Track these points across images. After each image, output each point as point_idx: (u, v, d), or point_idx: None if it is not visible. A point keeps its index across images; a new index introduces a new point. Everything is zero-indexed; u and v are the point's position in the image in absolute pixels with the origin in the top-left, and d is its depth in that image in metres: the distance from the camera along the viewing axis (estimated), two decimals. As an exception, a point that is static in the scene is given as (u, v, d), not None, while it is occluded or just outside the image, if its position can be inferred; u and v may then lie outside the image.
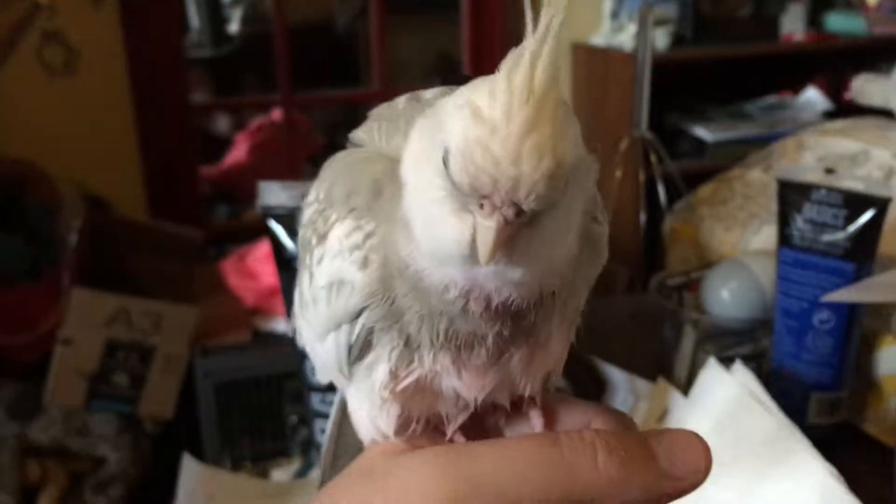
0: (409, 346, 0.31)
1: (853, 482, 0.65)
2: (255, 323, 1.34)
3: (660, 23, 2.06)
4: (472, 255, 0.27)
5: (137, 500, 1.11)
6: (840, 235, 0.78)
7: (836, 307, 0.79)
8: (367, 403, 0.34)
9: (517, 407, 0.34)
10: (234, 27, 2.94)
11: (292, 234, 0.70)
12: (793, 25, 2.28)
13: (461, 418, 0.34)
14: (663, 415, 0.82)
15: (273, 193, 0.72)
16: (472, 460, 0.30)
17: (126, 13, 1.86)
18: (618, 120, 1.88)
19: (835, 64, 2.41)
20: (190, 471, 0.85)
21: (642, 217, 1.56)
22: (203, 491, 0.84)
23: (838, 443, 0.79)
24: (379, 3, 2.17)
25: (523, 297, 0.29)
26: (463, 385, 0.32)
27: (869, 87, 1.16)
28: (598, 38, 2.19)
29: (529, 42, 0.27)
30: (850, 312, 0.79)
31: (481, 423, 0.34)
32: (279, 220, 0.71)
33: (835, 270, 0.78)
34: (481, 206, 0.26)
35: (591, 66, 2.18)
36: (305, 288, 0.34)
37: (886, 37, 2.28)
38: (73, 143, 1.83)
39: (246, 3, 2.92)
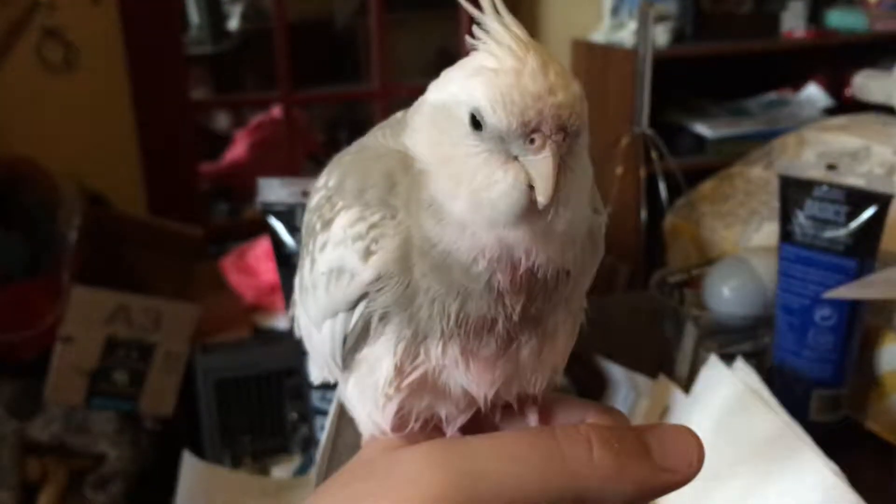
0: (415, 339, 0.31)
1: (855, 479, 0.65)
2: (255, 320, 1.33)
3: (660, 19, 2.06)
4: (527, 204, 0.28)
5: (138, 497, 1.11)
6: (841, 232, 0.78)
7: (837, 304, 0.78)
8: (364, 399, 0.34)
9: (516, 406, 0.34)
10: (233, 24, 2.94)
11: (292, 230, 0.70)
12: (793, 22, 2.28)
13: (461, 420, 0.34)
14: (664, 412, 0.81)
15: (273, 190, 0.71)
16: (469, 454, 0.30)
17: (125, 10, 1.86)
18: (618, 117, 1.88)
19: (835, 60, 2.41)
20: (190, 468, 0.85)
21: (643, 214, 1.56)
22: (203, 488, 0.84)
23: (840, 439, 0.79)
24: (378, 1, 2.16)
25: (549, 260, 0.30)
26: (472, 379, 0.32)
27: (870, 84, 1.15)
28: (599, 35, 2.18)
29: (489, 21, 0.30)
30: (851, 309, 0.79)
31: (477, 421, 0.34)
32: (279, 216, 0.71)
33: (836, 267, 0.78)
34: (532, 141, 0.28)
35: (592, 63, 2.18)
36: (306, 273, 0.35)
37: (887, 33, 2.28)
38: (72, 141, 1.83)
39: (246, 0, 2.92)
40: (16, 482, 1.08)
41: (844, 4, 2.39)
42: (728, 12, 2.23)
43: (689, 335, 0.88)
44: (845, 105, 2.22)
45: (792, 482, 0.66)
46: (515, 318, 0.31)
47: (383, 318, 0.31)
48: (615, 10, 2.18)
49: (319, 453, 0.42)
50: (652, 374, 0.87)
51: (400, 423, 0.33)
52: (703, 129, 2.23)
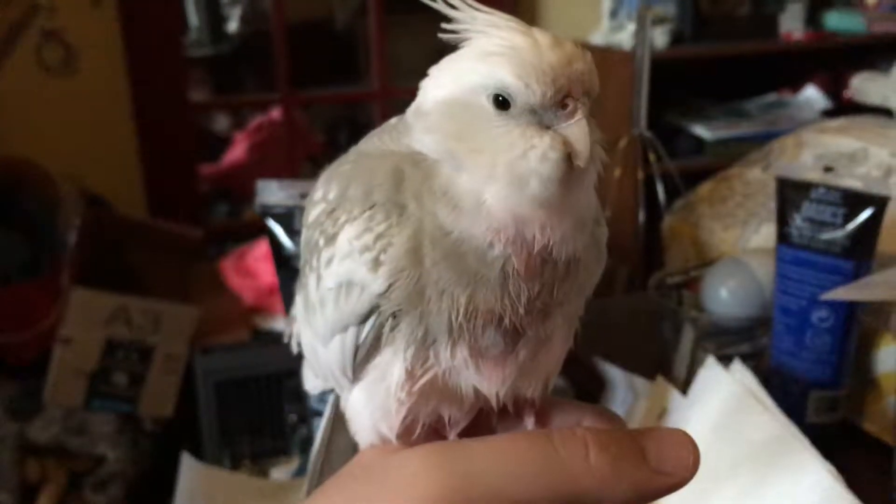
0: (424, 343, 0.31)
1: (852, 480, 0.65)
2: (254, 322, 1.33)
3: (659, 21, 2.06)
4: (565, 170, 0.30)
5: (136, 498, 1.11)
6: (839, 234, 0.78)
7: (834, 305, 0.79)
8: (372, 406, 0.33)
9: (513, 409, 0.35)
10: (233, 26, 2.94)
11: (290, 232, 0.70)
12: (792, 24, 2.28)
13: (463, 423, 0.34)
14: (662, 413, 0.82)
15: (271, 192, 0.72)
16: (465, 456, 0.30)
17: (125, 12, 1.86)
18: (617, 119, 1.88)
19: (834, 62, 2.41)
20: (189, 469, 0.85)
21: (641, 216, 1.56)
22: (202, 489, 0.84)
23: (837, 441, 0.79)
24: (378, 2, 2.16)
25: (563, 239, 0.31)
26: (483, 379, 0.32)
27: (868, 86, 1.16)
28: (597, 37, 2.19)
29: (475, 13, 0.31)
30: (848, 311, 0.79)
31: (476, 426, 0.35)
32: (277, 218, 0.71)
33: (834, 269, 0.78)
34: (564, 106, 0.30)
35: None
36: (312, 290, 0.34)
37: (885, 35, 2.28)
38: (72, 142, 1.83)
39: (245, 2, 2.92)
40: (15, 483, 1.08)
41: (843, 6, 2.39)
42: (726, 14, 2.24)
43: (687, 336, 0.89)
44: (844, 107, 2.22)
45: (789, 483, 0.67)
46: (522, 310, 0.31)
47: (394, 324, 0.31)
48: (614, 12, 2.19)
49: (312, 458, 0.42)
50: (650, 375, 0.88)
51: (407, 429, 0.33)
52: (701, 130, 2.24)
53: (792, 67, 2.47)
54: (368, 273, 0.31)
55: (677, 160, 1.72)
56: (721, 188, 1.13)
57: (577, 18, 2.24)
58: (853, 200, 0.77)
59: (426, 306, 0.31)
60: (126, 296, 1.20)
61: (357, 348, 0.33)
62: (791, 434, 0.69)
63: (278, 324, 1.29)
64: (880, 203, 0.77)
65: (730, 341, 0.87)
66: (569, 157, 0.30)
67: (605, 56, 2.11)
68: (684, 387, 0.83)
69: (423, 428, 0.33)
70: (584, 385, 0.90)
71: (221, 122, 2.84)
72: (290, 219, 0.70)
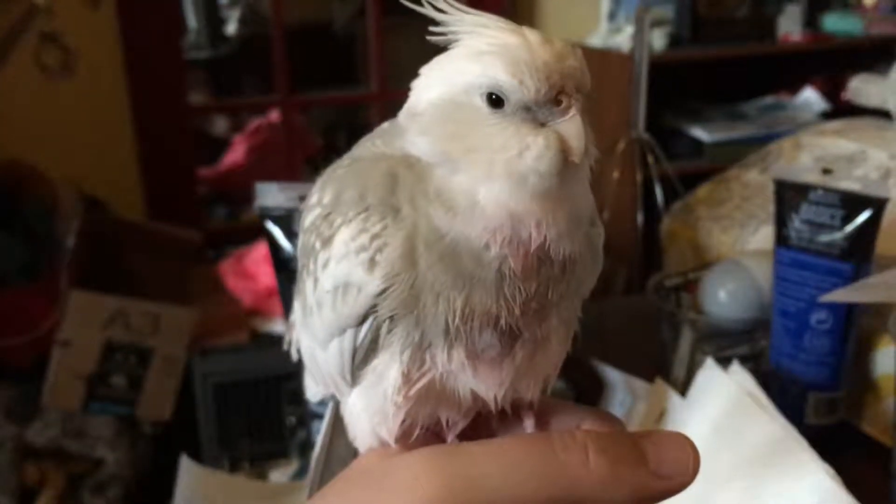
0: (420, 346, 0.31)
1: (851, 482, 0.65)
2: (253, 324, 1.33)
3: (657, 24, 2.06)
4: (561, 166, 0.30)
5: (135, 501, 1.11)
6: (837, 236, 0.78)
7: (833, 307, 0.79)
8: (370, 410, 0.33)
9: (512, 412, 0.35)
10: (231, 28, 2.94)
11: (289, 235, 0.70)
12: (790, 26, 2.28)
13: (461, 425, 0.34)
14: (661, 415, 0.82)
15: (270, 195, 0.72)
16: (465, 459, 0.30)
17: (123, 14, 1.86)
18: (615, 121, 1.88)
19: (832, 64, 2.42)
20: (188, 472, 0.85)
21: (640, 218, 1.56)
22: (201, 492, 0.84)
23: (836, 442, 0.79)
24: (376, 5, 2.16)
25: (559, 237, 0.31)
26: (480, 382, 0.32)
27: (866, 88, 1.16)
28: (596, 39, 2.19)
29: (463, 15, 0.31)
30: (847, 312, 0.79)
31: (475, 429, 0.35)
32: (276, 221, 0.71)
33: (832, 271, 0.78)
34: (559, 102, 0.30)
35: (589, 68, 2.17)
36: (309, 293, 0.34)
37: (884, 37, 2.28)
38: (70, 145, 1.83)
39: (244, 4, 2.92)
40: (14, 487, 1.08)
41: (841, 8, 2.39)
42: (725, 16, 2.24)
43: (686, 339, 0.89)
44: (842, 109, 2.22)
45: (788, 485, 0.67)
46: (518, 311, 0.31)
47: (391, 326, 0.31)
48: (612, 15, 2.19)
49: (313, 464, 0.41)
50: (649, 377, 0.88)
51: (405, 433, 0.33)
52: (700, 132, 2.24)
53: (790, 69, 2.47)
54: (365, 274, 0.31)
55: (676, 162, 1.72)
56: (719, 190, 1.14)
57: (575, 21, 2.25)
58: (851, 202, 0.77)
59: (422, 309, 0.31)
60: (125, 298, 1.19)
61: (355, 351, 0.33)
62: (790, 436, 0.69)
63: (277, 326, 1.29)
64: (879, 205, 0.77)
65: (728, 343, 0.87)
66: (563, 152, 0.30)
67: (603, 58, 2.11)
68: (683, 389, 0.83)
69: (422, 431, 0.33)
70: (582, 387, 0.90)
71: (220, 125, 2.84)
72: (288, 221, 0.70)
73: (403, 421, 0.33)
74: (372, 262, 0.31)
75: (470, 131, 0.31)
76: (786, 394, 0.81)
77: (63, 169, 1.56)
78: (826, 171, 0.81)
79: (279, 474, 0.90)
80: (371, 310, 0.31)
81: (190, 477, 0.84)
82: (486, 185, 0.30)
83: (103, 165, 1.88)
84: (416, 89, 0.33)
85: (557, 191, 0.30)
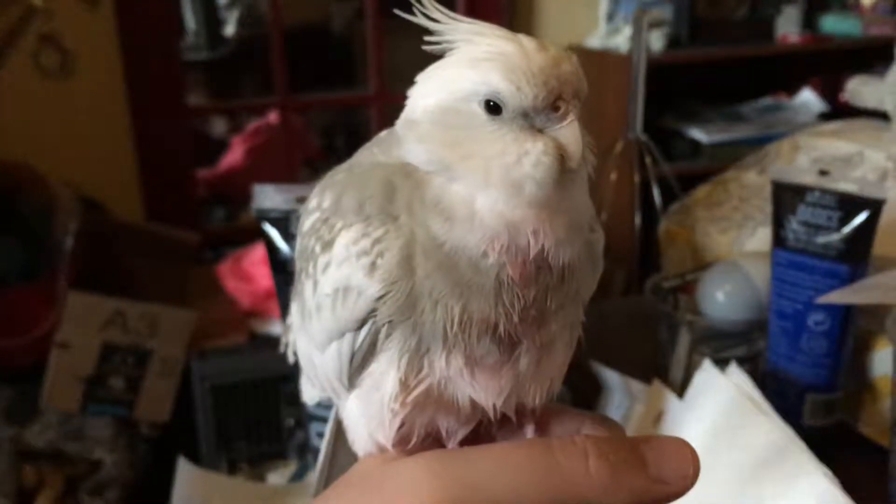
0: (418, 352, 0.31)
1: (848, 483, 0.65)
2: (251, 326, 1.33)
3: (655, 25, 2.06)
4: (559, 172, 0.30)
5: (133, 503, 1.11)
6: (834, 237, 0.78)
7: (830, 309, 0.79)
8: (367, 416, 0.33)
9: (510, 419, 0.34)
10: (230, 30, 2.94)
11: (287, 236, 0.70)
12: (788, 27, 2.29)
13: (462, 433, 0.34)
14: (659, 417, 0.82)
15: (267, 196, 0.72)
16: (465, 464, 0.30)
17: (122, 16, 1.86)
18: (613, 122, 1.88)
19: (830, 65, 2.42)
20: (186, 474, 0.85)
21: (637, 219, 1.56)
22: (199, 494, 0.84)
23: (833, 444, 0.79)
24: (375, 6, 2.17)
25: (558, 243, 0.31)
26: (479, 389, 0.32)
27: (864, 89, 1.16)
28: (594, 41, 2.19)
29: (457, 23, 0.32)
30: (844, 314, 0.79)
31: (476, 433, 0.35)
32: (274, 223, 0.71)
33: (829, 272, 0.79)
34: (556, 108, 0.30)
35: (587, 69, 2.10)
36: (308, 297, 0.34)
37: (881, 38, 2.28)
38: (69, 146, 1.83)
39: (242, 6, 2.92)
40: (12, 488, 1.08)
41: (839, 9, 2.40)
42: (723, 18, 2.24)
43: (684, 340, 0.89)
44: (840, 110, 2.22)
45: (785, 486, 0.67)
46: (516, 318, 0.31)
47: (389, 331, 0.31)
48: (610, 16, 2.19)
49: (318, 466, 0.41)
50: (646, 379, 0.88)
51: (402, 439, 0.33)
52: (698, 134, 2.24)
53: (788, 71, 2.48)
54: (365, 277, 0.31)
55: (673, 164, 1.73)
56: (717, 192, 1.14)
57: (573, 22, 2.25)
58: (849, 204, 0.77)
59: (419, 316, 0.31)
60: (123, 300, 1.20)
61: (353, 355, 0.33)
62: (787, 437, 0.69)
63: (275, 328, 1.29)
64: (876, 206, 0.77)
65: (726, 345, 0.87)
66: (561, 159, 0.30)
67: (601, 60, 2.11)
68: (681, 390, 0.83)
69: (420, 437, 0.33)
70: (580, 389, 0.90)
71: (218, 126, 2.84)
72: (286, 223, 0.70)
73: (401, 427, 0.33)
74: (373, 267, 0.31)
75: (467, 139, 0.31)
76: (783, 395, 0.81)
77: (61, 171, 1.56)
78: (823, 173, 0.81)
79: (277, 476, 0.90)
80: (370, 314, 0.31)
81: (188, 478, 0.84)
82: (484, 193, 0.30)
83: (101, 167, 1.88)
84: (413, 97, 0.33)
85: (555, 198, 0.30)
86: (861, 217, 0.77)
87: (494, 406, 0.32)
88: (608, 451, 0.31)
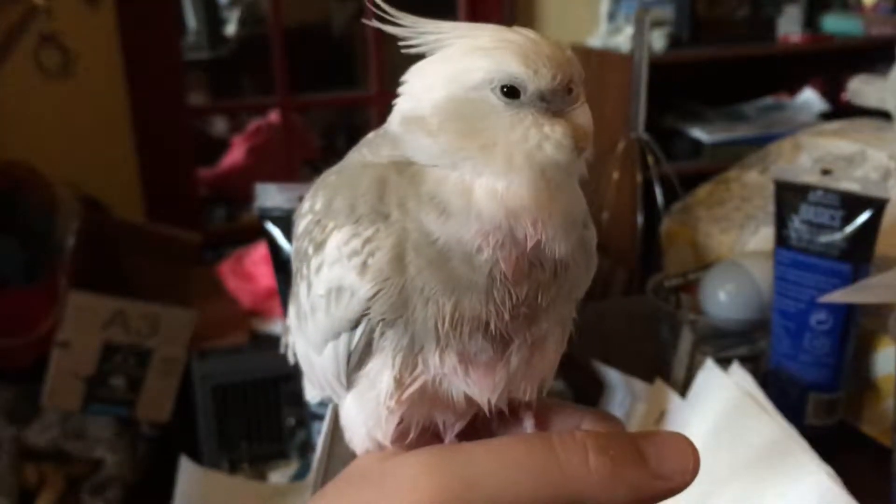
0: (412, 349, 0.31)
1: (851, 483, 0.65)
2: (252, 325, 1.33)
3: (656, 24, 2.06)
4: (572, 152, 0.31)
5: (134, 502, 1.11)
6: (837, 236, 0.78)
7: (833, 308, 0.79)
8: (365, 414, 0.33)
9: (510, 413, 0.34)
10: (231, 29, 2.94)
11: (289, 235, 0.70)
12: (789, 27, 2.28)
13: (459, 426, 0.34)
14: (661, 416, 0.82)
15: (269, 195, 0.72)
16: (464, 459, 0.30)
17: (123, 15, 1.86)
18: (615, 122, 1.88)
19: (832, 65, 2.42)
20: (187, 473, 0.85)
21: (639, 219, 1.56)
22: (200, 493, 0.83)
23: (836, 443, 0.79)
24: (375, 6, 2.16)
25: (555, 236, 0.31)
26: (473, 386, 0.32)
27: (866, 88, 1.16)
28: (595, 40, 2.19)
29: (448, 24, 0.32)
30: (847, 313, 0.79)
31: (474, 428, 0.35)
32: (276, 221, 0.71)
33: (832, 271, 0.78)
34: (570, 91, 0.31)
35: (588, 68, 2.13)
36: (303, 299, 0.34)
37: (883, 38, 2.28)
38: (70, 146, 1.83)
39: (243, 5, 2.92)
40: (13, 488, 1.08)
41: (840, 9, 2.39)
42: (724, 17, 2.24)
43: (686, 339, 0.89)
44: (841, 109, 2.22)
45: (788, 486, 0.67)
46: (507, 315, 0.31)
47: (383, 330, 0.31)
48: (611, 16, 2.19)
49: (315, 464, 0.41)
50: (648, 378, 0.88)
51: (400, 435, 0.33)
52: (699, 133, 2.24)
53: (790, 70, 2.47)
54: (357, 278, 0.31)
55: (675, 163, 1.72)
56: (719, 191, 1.13)
57: (574, 21, 2.25)
58: (851, 203, 0.77)
59: (411, 314, 0.31)
60: (124, 300, 1.20)
61: (349, 355, 0.33)
62: (790, 436, 0.69)
63: (276, 327, 1.29)
64: (878, 205, 0.77)
65: (728, 344, 0.87)
66: (576, 141, 0.31)
67: (602, 59, 2.11)
68: (683, 390, 0.83)
69: (417, 432, 0.33)
70: (582, 388, 0.90)
71: (219, 126, 2.84)
72: (288, 222, 0.70)
73: (399, 424, 0.33)
74: (364, 266, 0.31)
75: (485, 127, 0.31)
76: (785, 394, 0.81)
77: (62, 170, 1.56)
78: (826, 172, 0.81)
79: (278, 475, 0.90)
80: (364, 314, 0.31)
81: (189, 478, 0.84)
82: (505, 179, 0.30)
83: (102, 166, 1.88)
84: (410, 95, 0.33)
85: (566, 183, 0.31)
86: (864, 216, 0.77)
87: (489, 401, 0.33)
88: (608, 447, 0.31)
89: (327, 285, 0.32)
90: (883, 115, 1.13)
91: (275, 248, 0.72)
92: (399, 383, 0.32)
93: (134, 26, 1.87)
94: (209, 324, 1.27)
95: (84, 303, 1.18)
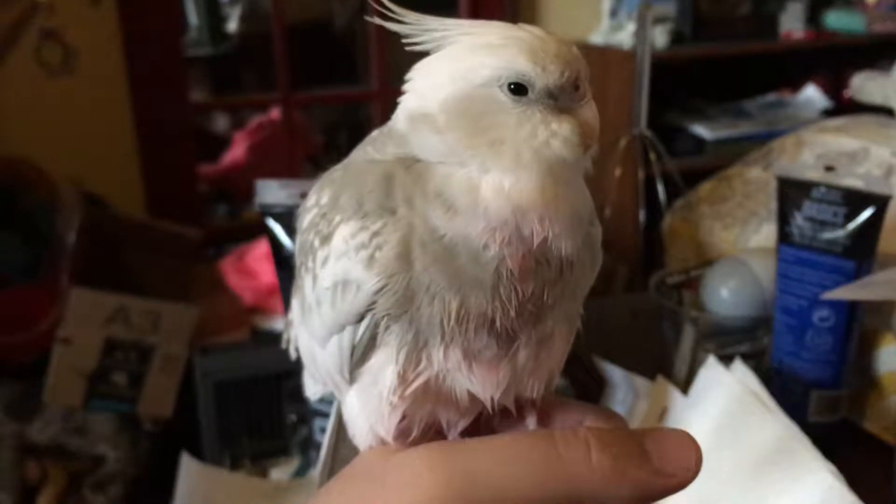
0: (417, 345, 0.31)
1: (853, 480, 0.65)
2: (254, 321, 1.33)
3: (659, 21, 2.06)
4: (579, 148, 0.31)
5: (136, 499, 1.11)
6: (840, 233, 0.78)
7: (835, 305, 0.79)
8: (367, 410, 0.33)
9: (512, 411, 0.34)
10: (232, 26, 2.94)
11: (290, 232, 0.70)
12: (792, 23, 2.28)
13: (462, 424, 0.34)
14: (663, 413, 0.81)
15: (271, 192, 0.71)
16: (467, 455, 0.30)
17: (124, 12, 1.86)
18: (617, 118, 1.88)
19: (834, 62, 2.41)
20: (189, 470, 0.85)
21: (641, 215, 1.56)
22: (202, 490, 0.84)
23: (838, 441, 0.79)
24: (377, 2, 2.16)
25: (562, 233, 0.31)
26: (477, 382, 0.32)
27: (868, 85, 1.15)
28: (597, 37, 2.19)
29: (453, 21, 0.32)
30: (850, 310, 0.79)
31: (477, 425, 0.35)
32: (277, 218, 0.71)
33: (834, 268, 0.78)
34: (577, 88, 0.31)
35: (590, 65, 2.12)
36: (308, 292, 0.34)
37: (886, 34, 2.28)
38: (71, 142, 1.83)
39: (245, 2, 2.92)
40: (15, 484, 1.08)
41: (843, 6, 2.39)
42: (726, 14, 2.23)
43: (688, 336, 0.89)
44: (844, 106, 2.22)
45: (790, 483, 0.66)
46: (513, 313, 0.31)
47: (388, 324, 0.31)
48: (614, 12, 2.19)
49: (321, 460, 0.42)
50: (650, 375, 0.87)
51: (402, 432, 0.33)
52: (701, 130, 2.24)
53: (792, 67, 2.47)
54: (364, 271, 0.31)
55: (677, 160, 1.72)
56: (721, 188, 1.13)
57: (576, 18, 2.24)
58: (854, 200, 0.77)
59: (416, 310, 0.30)
60: (125, 296, 1.20)
61: (353, 349, 0.33)
62: (792, 434, 0.69)
63: (278, 324, 1.29)
64: (881, 202, 0.76)
65: (730, 341, 0.87)
66: (583, 137, 0.31)
67: (605, 56, 2.10)
68: (685, 386, 0.83)
69: (420, 430, 0.33)
70: (584, 384, 0.90)
71: (221, 122, 2.83)
72: (289, 218, 0.70)
73: (401, 420, 0.33)
74: (371, 260, 0.31)
75: (493, 124, 0.31)
76: (788, 392, 0.81)
77: (64, 166, 1.56)
78: (828, 169, 0.81)
79: (280, 472, 0.90)
80: (370, 307, 0.31)
81: (190, 474, 0.84)
82: (513, 175, 0.30)
83: (104, 163, 1.88)
84: (416, 93, 0.32)
85: (572, 179, 0.31)
86: (867, 213, 0.77)
87: (493, 399, 0.32)
88: (611, 443, 0.31)
89: (333, 278, 0.32)
90: (886, 111, 1.13)
91: (276, 245, 0.72)
92: (402, 379, 0.32)
93: (135, 22, 1.87)
94: (211, 320, 1.27)
95: (86, 299, 1.18)
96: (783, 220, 0.81)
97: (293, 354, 0.40)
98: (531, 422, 0.35)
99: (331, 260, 0.32)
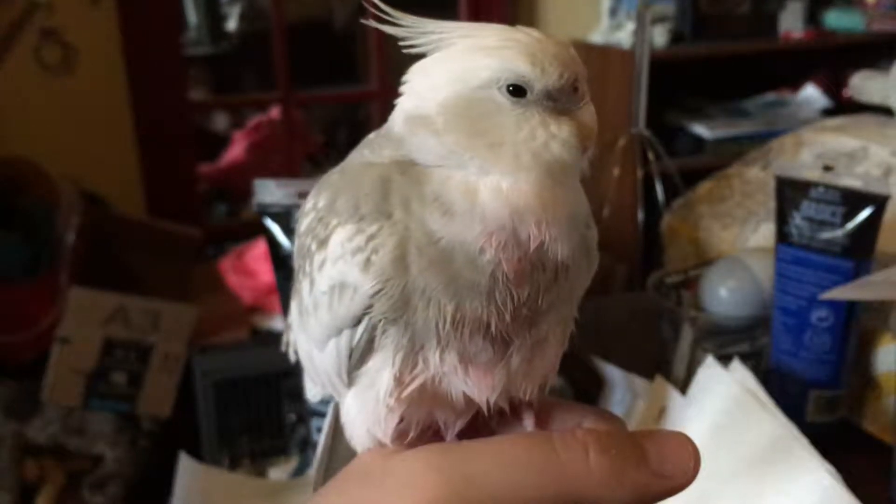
0: (413, 348, 0.31)
1: (851, 480, 0.65)
2: (253, 321, 1.33)
3: (658, 20, 2.06)
4: (578, 150, 0.31)
5: (135, 498, 1.11)
6: (838, 233, 0.78)
7: (834, 305, 0.79)
8: (365, 412, 0.33)
9: (511, 411, 0.34)
10: (232, 24, 2.94)
11: (288, 231, 0.70)
12: (791, 23, 2.28)
13: (459, 425, 0.34)
14: (661, 413, 0.81)
15: (269, 191, 0.71)
16: (465, 457, 0.30)
17: (124, 11, 1.86)
18: (616, 117, 1.88)
19: (834, 61, 2.41)
20: (187, 469, 0.85)
21: (640, 215, 1.56)
22: (201, 489, 0.84)
23: (837, 441, 0.79)
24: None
25: (558, 236, 0.31)
26: (472, 385, 0.32)
27: (867, 85, 1.15)
28: (597, 36, 2.19)
29: (451, 24, 0.32)
30: (848, 310, 0.79)
31: (475, 427, 0.35)
32: (275, 217, 0.71)
33: (833, 268, 0.78)
34: (576, 90, 0.31)
35: (589, 64, 2.13)
36: (305, 295, 0.34)
37: (885, 33, 2.28)
38: (71, 142, 1.82)
39: (244, 1, 2.92)
40: (13, 483, 1.08)
41: (842, 5, 2.39)
42: (726, 13, 2.23)
43: (686, 336, 0.89)
44: (843, 106, 2.22)
45: (788, 483, 0.66)
46: (508, 317, 0.31)
47: (385, 328, 0.31)
48: (613, 11, 2.19)
49: (316, 461, 0.42)
50: (649, 375, 0.87)
51: (400, 433, 0.33)
52: (700, 129, 2.24)
53: (791, 66, 2.47)
54: (361, 274, 0.31)
55: (676, 159, 1.72)
56: (720, 187, 1.13)
57: (576, 17, 2.24)
58: (853, 199, 0.77)
59: (412, 314, 0.30)
60: (124, 295, 1.19)
61: (351, 352, 0.33)
62: (790, 434, 0.69)
63: (277, 323, 1.29)
64: (880, 202, 0.76)
65: (729, 341, 0.87)
66: (581, 139, 0.31)
67: (604, 55, 2.10)
68: (683, 386, 0.83)
69: (418, 431, 0.33)
70: (582, 384, 0.90)
71: (220, 122, 2.83)
72: (287, 218, 0.70)
73: (399, 422, 0.33)
74: (367, 263, 0.31)
75: (492, 126, 0.31)
76: (786, 392, 0.81)
77: (63, 166, 1.56)
78: (827, 168, 0.81)
79: (279, 472, 0.90)
80: (367, 310, 0.31)
81: (189, 474, 0.84)
82: (512, 177, 0.30)
83: (103, 162, 1.88)
84: (413, 95, 0.32)
85: (570, 181, 0.32)
86: (865, 213, 0.77)
87: (488, 401, 0.33)
88: (609, 445, 0.31)
89: (330, 282, 0.32)
90: (885, 111, 1.13)
91: (274, 244, 0.72)
92: (399, 381, 0.32)
93: (135, 21, 1.87)
94: (210, 320, 1.27)
95: (85, 298, 1.18)
96: (782, 219, 0.81)
97: (292, 357, 0.40)
98: (528, 423, 0.35)
99: (328, 263, 0.32)
